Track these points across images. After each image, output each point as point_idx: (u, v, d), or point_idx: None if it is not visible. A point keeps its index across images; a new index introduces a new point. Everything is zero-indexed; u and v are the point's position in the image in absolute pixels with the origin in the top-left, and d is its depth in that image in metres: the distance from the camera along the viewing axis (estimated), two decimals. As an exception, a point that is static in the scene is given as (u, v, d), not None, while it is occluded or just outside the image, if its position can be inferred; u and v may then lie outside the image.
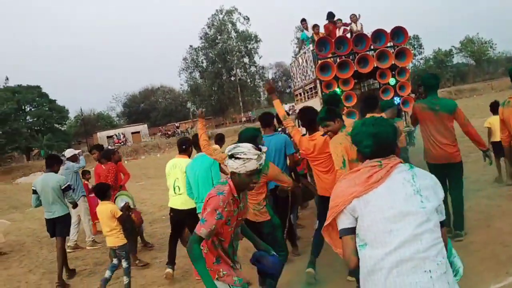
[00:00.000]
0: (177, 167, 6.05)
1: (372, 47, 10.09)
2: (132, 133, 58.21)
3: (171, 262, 6.11)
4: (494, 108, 7.89)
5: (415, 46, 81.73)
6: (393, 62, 9.85)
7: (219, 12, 64.26)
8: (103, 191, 5.82)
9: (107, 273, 5.81)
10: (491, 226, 5.70)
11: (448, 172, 5.49)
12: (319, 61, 9.98)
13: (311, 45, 10.87)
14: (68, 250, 8.17)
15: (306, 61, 11.10)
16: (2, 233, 9.53)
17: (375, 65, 9.91)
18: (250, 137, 4.35)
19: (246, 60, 66.46)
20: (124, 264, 5.78)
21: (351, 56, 10.20)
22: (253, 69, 67.02)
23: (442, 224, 2.26)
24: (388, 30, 9.97)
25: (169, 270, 6.04)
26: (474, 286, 4.10)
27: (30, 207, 17.20)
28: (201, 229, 2.86)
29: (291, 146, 5.75)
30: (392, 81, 9.79)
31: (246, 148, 2.99)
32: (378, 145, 2.37)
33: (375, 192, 2.25)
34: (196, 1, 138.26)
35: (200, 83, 67.16)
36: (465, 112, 5.60)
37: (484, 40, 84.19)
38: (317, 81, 10.06)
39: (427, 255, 2.10)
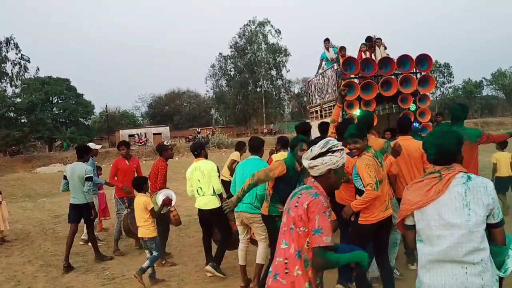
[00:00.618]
0: (198, 170, 6.26)
1: (396, 71, 10.02)
2: (154, 134, 58.60)
3: (210, 259, 6.24)
4: (501, 144, 8.39)
5: (445, 74, 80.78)
6: (415, 88, 9.80)
7: (251, 23, 64.56)
8: (140, 184, 6.28)
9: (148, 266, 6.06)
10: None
11: None
12: (344, 81, 9.91)
13: (335, 65, 10.81)
14: (80, 243, 8.50)
15: (327, 79, 11.02)
16: (7, 220, 9.58)
17: (398, 89, 9.83)
18: (306, 129, 5.31)
19: (273, 72, 66.51)
20: (154, 253, 6.11)
21: (375, 79, 10.12)
22: (279, 82, 67.01)
23: (497, 225, 2.66)
24: (414, 56, 9.88)
25: (210, 267, 6.06)
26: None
27: (43, 197, 17.50)
28: (323, 239, 2.57)
29: None
30: (412, 106, 9.79)
31: (335, 139, 2.91)
32: (440, 154, 2.77)
33: (431, 205, 2.71)
34: (230, 11, 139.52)
35: (225, 91, 67.47)
36: (489, 146, 5.38)
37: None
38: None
39: (466, 259, 2.60)
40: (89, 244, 7.88)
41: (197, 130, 56.17)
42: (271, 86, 66.92)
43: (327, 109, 10.96)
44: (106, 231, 9.45)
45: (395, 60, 10.02)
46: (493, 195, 2.65)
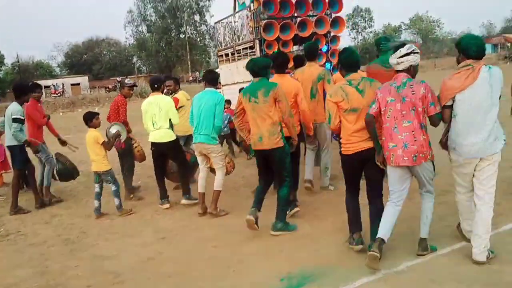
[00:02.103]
0: (154, 104, 6.38)
1: (310, 13, 10.05)
2: (72, 84, 55.62)
3: (164, 196, 6.56)
4: None
5: (366, 19, 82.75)
6: (328, 29, 9.94)
7: (171, -35, 61.60)
8: (89, 119, 6.31)
9: (96, 203, 6.37)
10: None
11: None
12: (264, 21, 9.79)
13: (252, 4, 10.56)
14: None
15: (242, 20, 10.75)
16: None
17: (313, 31, 9.89)
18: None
19: (197, 17, 64.49)
20: (113, 187, 6.34)
21: (292, 20, 10.09)
22: (204, 27, 65.18)
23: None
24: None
25: (166, 204, 6.48)
26: (387, 261, 4.03)
27: None
28: (436, 108, 3.94)
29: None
30: (324, 47, 9.94)
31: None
32: (479, 51, 3.88)
33: (469, 89, 3.81)
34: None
35: (147, 38, 64.75)
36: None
37: (432, 19, 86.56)
38: (257, 41, 9.90)
39: (486, 127, 3.82)
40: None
41: (117, 79, 53.84)
42: (195, 32, 65.09)
43: (241, 51, 10.76)
44: (8, 186, 8.72)
45: (310, 1, 9.98)
46: (501, 79, 3.85)
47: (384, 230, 3.99)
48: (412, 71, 4.01)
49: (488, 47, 73.77)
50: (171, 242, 5.23)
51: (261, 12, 9.98)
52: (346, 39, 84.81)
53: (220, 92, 6.68)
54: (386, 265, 3.97)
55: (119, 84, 10.30)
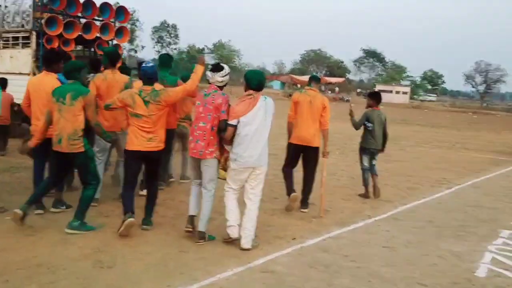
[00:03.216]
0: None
1: (96, 17, 10.33)
2: None
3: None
4: None
5: (172, 35, 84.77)
6: (113, 37, 10.30)
7: None
8: None
9: None
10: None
11: None
12: (48, 14, 9.60)
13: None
14: None
15: (17, 6, 10.30)
16: None
17: (98, 35, 10.16)
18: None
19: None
20: None
21: (78, 19, 10.16)
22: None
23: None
24: (114, 6, 10.40)
25: None
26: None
27: None
28: (225, 115, 4.95)
29: None
30: None
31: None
32: (259, 85, 4.98)
33: (250, 113, 4.85)
34: None
35: None
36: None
37: (233, 49, 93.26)
38: (34, 33, 9.66)
39: (261, 143, 4.96)
40: None
41: None
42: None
43: (10, 39, 10.29)
44: None
45: (97, 6, 10.23)
46: (273, 105, 5.03)
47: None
48: (223, 87, 5.13)
49: (277, 84, 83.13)
50: None
51: (46, 4, 9.84)
52: (150, 51, 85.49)
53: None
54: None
55: None
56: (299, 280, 4.27)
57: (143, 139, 4.99)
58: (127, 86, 5.73)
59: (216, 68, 5.08)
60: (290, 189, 6.51)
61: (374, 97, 7.73)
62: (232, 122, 4.89)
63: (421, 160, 12.63)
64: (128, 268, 4.22)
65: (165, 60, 6.97)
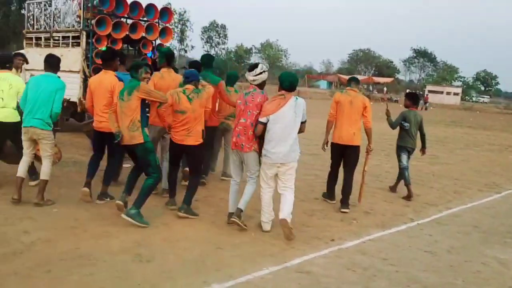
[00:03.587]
0: (5, 80, 6.04)
1: (142, 18, 10.62)
2: None
3: None
4: None
5: (220, 35, 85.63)
6: (157, 37, 10.61)
7: None
8: None
9: None
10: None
11: None
12: (97, 14, 9.95)
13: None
14: None
15: (67, 7, 10.72)
16: None
17: (143, 35, 10.43)
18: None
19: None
20: None
21: (125, 20, 10.46)
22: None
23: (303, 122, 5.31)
24: (159, 7, 10.70)
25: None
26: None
27: None
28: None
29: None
30: (150, 53, 10.53)
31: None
32: (291, 86, 5.23)
33: (279, 112, 5.10)
34: None
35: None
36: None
37: (281, 48, 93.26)
38: (84, 33, 10.03)
39: (289, 141, 5.15)
40: None
41: None
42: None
43: (60, 38, 10.71)
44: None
45: (143, 6, 10.49)
46: (305, 107, 5.22)
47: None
48: (262, 85, 5.37)
49: (324, 84, 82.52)
50: None
51: (97, 6, 10.18)
52: (199, 51, 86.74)
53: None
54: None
55: None
56: (335, 282, 4.22)
57: (183, 133, 5.51)
58: (181, 85, 5.88)
59: (251, 68, 5.38)
60: (330, 193, 6.92)
61: (411, 98, 7.85)
62: (262, 119, 5.17)
63: (470, 163, 12.18)
64: (166, 263, 4.30)
65: (205, 61, 7.18)
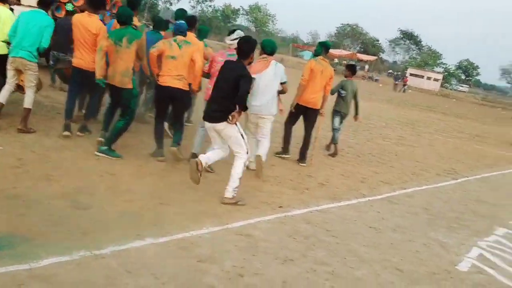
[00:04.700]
0: None
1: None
2: None
3: None
4: None
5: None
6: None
7: None
8: None
9: None
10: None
11: None
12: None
13: None
14: None
15: None
16: None
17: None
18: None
19: None
20: None
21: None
22: None
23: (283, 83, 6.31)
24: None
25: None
26: (94, 242, 3.91)
27: None
28: None
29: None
30: (69, 5, 9.85)
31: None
32: (272, 51, 6.21)
33: (263, 72, 5.97)
34: None
35: None
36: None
37: (269, 13, 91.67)
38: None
39: (267, 96, 6.08)
40: None
41: None
42: None
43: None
44: None
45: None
46: (283, 70, 6.20)
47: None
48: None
49: (308, 54, 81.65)
50: None
51: None
52: (185, 5, 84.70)
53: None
54: (89, 246, 3.52)
55: None
56: (273, 247, 4.20)
57: (173, 77, 5.74)
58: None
59: (229, 32, 6.05)
60: (286, 145, 7.53)
61: (350, 69, 8.70)
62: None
63: (435, 148, 12.32)
64: (103, 212, 4.20)
65: (180, 15, 7.15)
